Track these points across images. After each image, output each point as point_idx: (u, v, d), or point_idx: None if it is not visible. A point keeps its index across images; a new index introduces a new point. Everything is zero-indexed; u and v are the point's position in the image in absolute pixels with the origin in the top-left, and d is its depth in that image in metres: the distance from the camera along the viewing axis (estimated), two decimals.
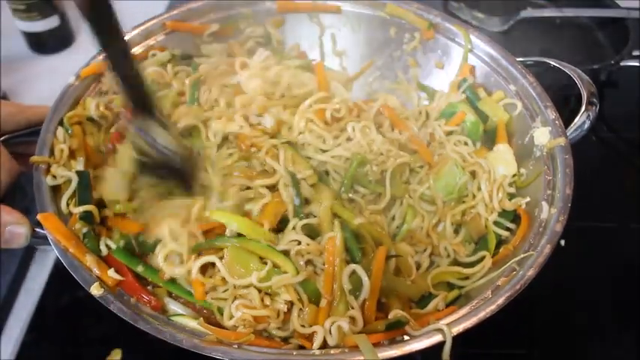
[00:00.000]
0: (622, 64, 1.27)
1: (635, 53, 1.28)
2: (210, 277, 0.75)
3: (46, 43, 1.42)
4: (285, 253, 0.75)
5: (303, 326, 0.71)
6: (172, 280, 0.77)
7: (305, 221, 0.79)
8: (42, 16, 1.34)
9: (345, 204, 0.84)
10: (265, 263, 0.73)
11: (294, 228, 0.79)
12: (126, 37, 0.81)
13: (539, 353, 0.89)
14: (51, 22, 1.37)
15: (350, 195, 0.86)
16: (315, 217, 0.81)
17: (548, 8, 1.46)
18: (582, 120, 0.89)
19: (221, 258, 0.74)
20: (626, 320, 0.93)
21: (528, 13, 1.43)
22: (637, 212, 1.08)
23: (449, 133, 0.98)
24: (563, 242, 0.97)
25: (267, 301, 0.72)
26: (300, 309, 0.72)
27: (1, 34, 1.42)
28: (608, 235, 1.04)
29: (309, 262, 0.76)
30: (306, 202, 0.82)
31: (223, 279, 0.73)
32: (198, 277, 0.74)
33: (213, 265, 0.75)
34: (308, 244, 0.76)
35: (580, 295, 0.96)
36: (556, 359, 0.90)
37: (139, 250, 0.79)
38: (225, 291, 0.74)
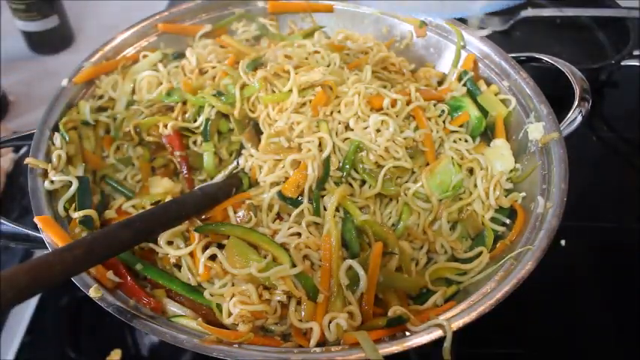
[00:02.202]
0: (622, 63, 1.27)
1: (635, 53, 1.28)
2: (211, 267, 0.75)
3: (45, 43, 1.42)
4: (285, 246, 0.75)
5: (300, 321, 0.71)
6: (172, 274, 0.78)
7: (309, 218, 0.80)
8: (42, 16, 1.34)
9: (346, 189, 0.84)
10: (264, 256, 0.74)
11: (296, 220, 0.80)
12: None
13: (539, 353, 0.89)
14: (51, 22, 1.36)
15: (348, 179, 0.85)
16: (323, 207, 0.82)
17: (549, 8, 1.46)
18: (574, 115, 0.89)
19: (220, 249, 0.75)
20: (626, 320, 0.93)
21: (528, 12, 1.43)
22: (637, 212, 1.08)
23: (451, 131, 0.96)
24: (563, 242, 0.98)
25: (266, 295, 0.73)
26: (298, 303, 0.72)
27: (1, 34, 1.41)
28: (608, 235, 1.04)
29: (306, 257, 0.77)
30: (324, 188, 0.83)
31: (224, 270, 0.74)
32: (201, 256, 0.75)
33: (213, 259, 0.76)
34: (307, 237, 0.76)
35: (580, 295, 0.96)
36: (555, 359, 0.90)
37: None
38: (223, 285, 0.75)
